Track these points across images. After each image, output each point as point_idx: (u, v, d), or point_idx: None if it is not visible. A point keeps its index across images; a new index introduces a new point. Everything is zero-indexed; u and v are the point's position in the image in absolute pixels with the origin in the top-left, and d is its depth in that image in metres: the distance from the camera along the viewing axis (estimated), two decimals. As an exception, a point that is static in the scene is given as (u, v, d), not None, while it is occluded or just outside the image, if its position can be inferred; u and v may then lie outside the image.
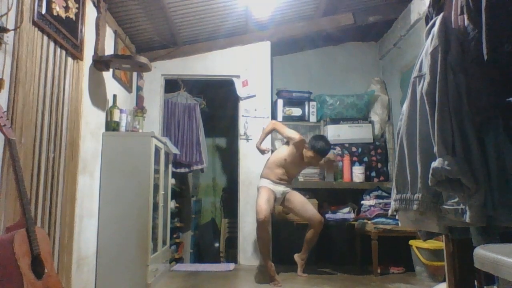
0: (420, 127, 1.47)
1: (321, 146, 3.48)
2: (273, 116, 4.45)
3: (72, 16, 2.54)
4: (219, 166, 5.78)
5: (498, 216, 1.30)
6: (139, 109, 3.79)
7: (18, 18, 1.97)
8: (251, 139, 4.30)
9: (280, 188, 3.56)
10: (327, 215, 4.13)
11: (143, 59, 3.04)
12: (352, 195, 4.28)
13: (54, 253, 2.27)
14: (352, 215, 4.09)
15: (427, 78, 1.42)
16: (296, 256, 3.54)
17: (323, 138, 3.62)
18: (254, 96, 4.36)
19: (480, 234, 1.41)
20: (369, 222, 3.66)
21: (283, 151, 3.61)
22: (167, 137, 4.08)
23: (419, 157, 1.46)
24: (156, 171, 3.40)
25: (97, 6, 2.99)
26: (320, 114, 4.54)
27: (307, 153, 3.50)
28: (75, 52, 2.56)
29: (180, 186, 4.70)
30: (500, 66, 1.33)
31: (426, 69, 1.44)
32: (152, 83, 4.30)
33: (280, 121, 4.43)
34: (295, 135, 3.56)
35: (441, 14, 1.49)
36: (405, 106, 1.59)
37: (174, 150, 4.02)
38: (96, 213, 3.01)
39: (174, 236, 4.38)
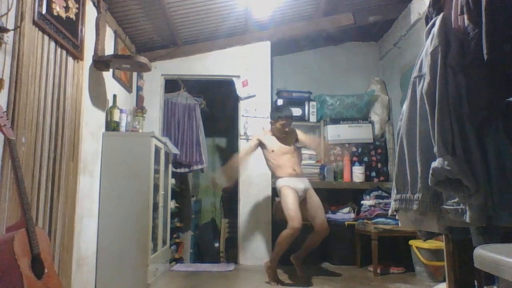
0: (420, 127, 1.47)
1: (280, 110, 3.50)
2: (273, 116, 4.44)
3: (72, 16, 2.54)
4: (219, 166, 5.78)
5: (498, 216, 1.30)
6: (139, 109, 3.79)
7: (18, 18, 1.97)
8: (251, 139, 4.29)
9: (300, 185, 3.38)
10: (327, 215, 4.13)
11: (143, 59, 3.04)
12: (352, 195, 4.28)
13: (54, 253, 2.27)
14: (352, 215, 4.10)
15: (427, 78, 1.41)
16: (292, 258, 3.43)
17: (277, 105, 3.61)
18: (254, 96, 4.36)
19: (480, 234, 1.41)
20: (369, 222, 3.66)
21: (269, 148, 3.51)
22: (167, 137, 4.08)
23: (419, 157, 1.46)
24: (156, 171, 3.40)
25: (97, 6, 2.99)
26: (320, 114, 4.54)
27: (277, 125, 3.45)
28: (75, 52, 2.56)
29: (180, 186, 4.70)
30: (500, 66, 1.33)
31: (426, 69, 1.44)
32: (152, 83, 4.31)
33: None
34: (251, 141, 3.66)
35: (441, 14, 1.49)
36: (405, 106, 1.59)
37: (174, 150, 4.02)
38: (96, 213, 3.01)
39: (174, 236, 4.38)
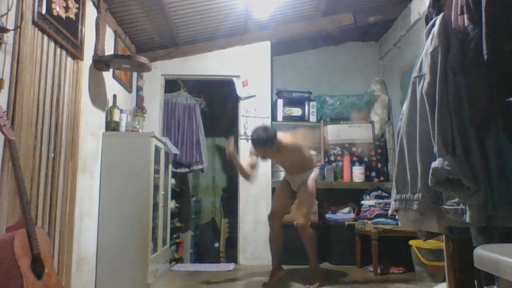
0: (420, 127, 1.47)
1: (252, 134, 3.00)
2: (273, 116, 4.45)
3: (72, 16, 2.54)
4: (219, 166, 5.78)
5: (498, 216, 1.30)
6: (139, 109, 3.79)
7: (18, 18, 1.97)
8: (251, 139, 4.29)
9: (297, 181, 3.22)
10: (327, 215, 4.14)
11: (143, 59, 3.04)
12: (352, 195, 4.28)
13: (54, 253, 2.27)
14: (352, 215, 4.10)
15: (427, 78, 1.42)
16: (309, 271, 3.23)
17: (258, 128, 3.02)
18: (254, 96, 4.36)
19: (480, 234, 1.41)
20: (369, 222, 3.66)
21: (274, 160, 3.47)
22: (167, 137, 4.08)
23: (419, 157, 1.46)
24: (156, 171, 3.40)
25: (97, 6, 2.99)
26: (320, 114, 4.54)
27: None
28: (75, 52, 2.56)
29: (180, 186, 4.70)
30: (500, 66, 1.33)
31: (426, 69, 1.44)
32: (152, 83, 4.30)
33: (280, 121, 4.45)
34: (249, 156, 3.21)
35: (441, 14, 1.49)
36: (405, 106, 1.59)
37: (174, 150, 4.02)
38: (96, 213, 3.01)
39: (174, 236, 4.38)
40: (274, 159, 3.36)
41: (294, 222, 3.12)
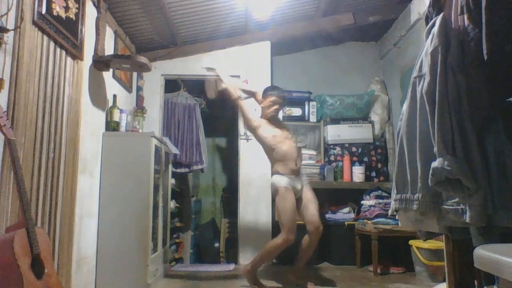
0: (420, 127, 1.47)
1: (273, 88, 3.38)
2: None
3: (72, 16, 2.54)
4: (219, 166, 5.78)
5: (498, 216, 1.30)
6: (139, 109, 3.79)
7: (18, 18, 1.97)
8: (251, 139, 4.28)
9: (298, 186, 3.11)
10: (327, 215, 4.14)
11: (143, 59, 3.04)
12: (352, 195, 4.28)
13: (54, 253, 2.27)
14: (352, 215, 4.10)
15: (427, 78, 1.41)
16: (290, 273, 3.14)
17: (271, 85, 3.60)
18: (254, 96, 4.35)
19: (480, 234, 1.41)
20: (369, 222, 3.66)
21: (266, 132, 3.19)
22: (167, 137, 4.08)
23: (419, 157, 1.46)
24: (156, 171, 3.40)
25: (97, 6, 2.99)
26: (320, 114, 4.54)
27: (266, 102, 3.23)
28: (75, 52, 2.56)
29: (180, 186, 4.70)
30: (500, 66, 1.33)
31: (426, 69, 1.44)
32: (152, 83, 4.30)
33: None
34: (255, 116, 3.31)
35: (441, 14, 1.49)
36: (405, 106, 1.59)
37: (174, 150, 4.02)
38: (96, 213, 3.01)
39: (174, 236, 4.38)
40: (275, 128, 3.23)
41: (308, 226, 3.05)
